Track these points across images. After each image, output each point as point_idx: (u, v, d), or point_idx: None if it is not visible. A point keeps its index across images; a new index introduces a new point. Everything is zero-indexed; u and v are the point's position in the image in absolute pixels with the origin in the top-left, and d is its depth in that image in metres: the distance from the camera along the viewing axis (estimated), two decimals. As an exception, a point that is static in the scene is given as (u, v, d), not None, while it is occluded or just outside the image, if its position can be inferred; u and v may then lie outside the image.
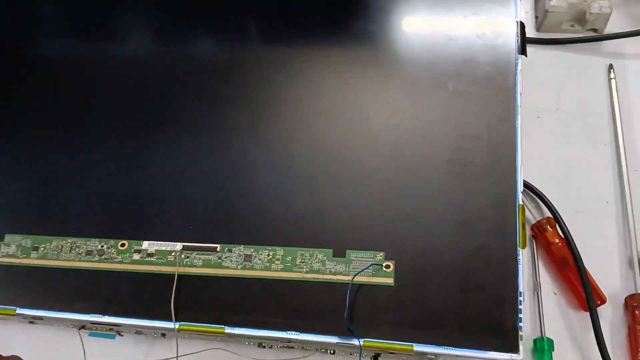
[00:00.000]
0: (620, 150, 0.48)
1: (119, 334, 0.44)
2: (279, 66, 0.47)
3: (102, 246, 0.43)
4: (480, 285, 0.39)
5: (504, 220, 0.41)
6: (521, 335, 0.37)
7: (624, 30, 0.51)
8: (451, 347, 0.37)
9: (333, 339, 0.38)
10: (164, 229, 0.43)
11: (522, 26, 0.45)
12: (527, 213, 0.46)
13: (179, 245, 0.42)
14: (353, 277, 0.39)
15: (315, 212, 0.42)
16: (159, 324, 0.40)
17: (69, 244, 0.43)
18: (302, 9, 0.49)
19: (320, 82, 0.46)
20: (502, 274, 0.39)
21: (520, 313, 0.38)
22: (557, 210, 0.46)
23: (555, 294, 0.44)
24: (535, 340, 0.43)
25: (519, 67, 0.43)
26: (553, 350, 0.42)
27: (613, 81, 0.50)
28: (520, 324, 0.38)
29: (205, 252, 0.42)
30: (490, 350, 0.37)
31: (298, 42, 0.48)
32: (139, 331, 0.43)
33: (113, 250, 0.42)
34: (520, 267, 0.39)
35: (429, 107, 0.44)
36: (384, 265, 0.40)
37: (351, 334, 0.38)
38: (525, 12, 0.53)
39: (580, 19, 0.51)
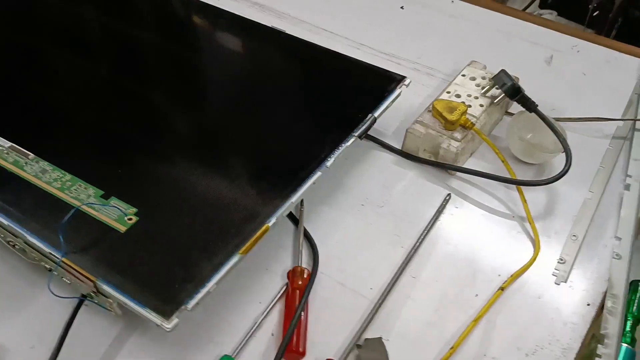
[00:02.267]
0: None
1: None
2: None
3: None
4: (187, 260, 0.43)
5: (246, 230, 0.45)
6: (185, 308, 0.39)
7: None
8: (125, 295, 0.40)
9: (45, 246, 0.43)
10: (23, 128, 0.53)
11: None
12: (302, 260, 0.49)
13: (9, 143, 0.51)
14: (82, 204, 0.45)
15: (116, 167, 0.50)
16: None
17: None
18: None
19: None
20: (214, 261, 0.42)
21: (198, 294, 0.40)
22: (319, 269, 0.48)
23: (272, 335, 0.45)
24: (225, 356, 0.43)
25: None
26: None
27: (447, 207, 0.54)
28: (190, 303, 0.40)
29: (20, 155, 0.50)
30: (150, 309, 0.40)
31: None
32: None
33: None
34: (227, 265, 0.42)
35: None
36: (127, 217, 0.45)
37: (59, 239, 0.42)
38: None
39: (435, 151, 0.56)
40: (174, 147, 0.53)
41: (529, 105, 0.57)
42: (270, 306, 0.47)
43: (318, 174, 0.49)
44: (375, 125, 0.57)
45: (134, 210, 0.46)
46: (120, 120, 0.55)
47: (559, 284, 0.49)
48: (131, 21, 0.68)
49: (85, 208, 0.45)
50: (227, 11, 0.68)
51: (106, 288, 0.41)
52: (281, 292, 0.47)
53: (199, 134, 0.55)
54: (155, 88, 0.60)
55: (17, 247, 0.46)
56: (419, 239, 0.51)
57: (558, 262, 0.50)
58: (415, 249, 0.51)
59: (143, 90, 0.59)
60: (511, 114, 0.61)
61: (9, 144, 0.51)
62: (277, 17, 0.75)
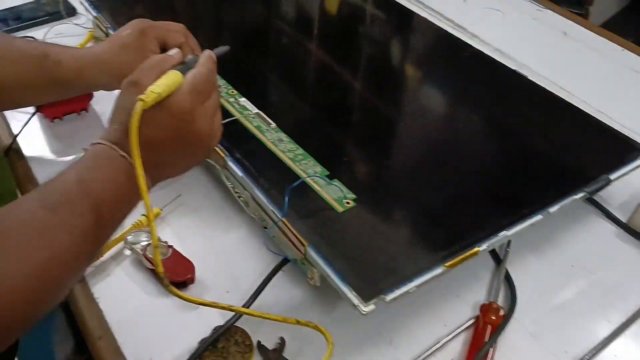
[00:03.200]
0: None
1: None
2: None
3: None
4: (394, 255, 0.43)
5: (455, 247, 0.44)
6: (383, 299, 0.40)
7: None
8: (331, 267, 0.42)
9: (269, 204, 0.46)
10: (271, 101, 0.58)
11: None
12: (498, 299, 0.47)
13: (256, 110, 0.56)
14: (309, 176, 0.48)
15: (345, 152, 0.52)
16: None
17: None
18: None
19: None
20: (418, 265, 0.42)
21: (398, 289, 0.40)
22: (514, 314, 0.46)
23: (452, 360, 0.44)
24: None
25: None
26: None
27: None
28: (390, 295, 0.40)
29: (264, 121, 0.54)
30: (352, 287, 0.40)
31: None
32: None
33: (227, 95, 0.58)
34: (430, 272, 0.42)
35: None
36: (345, 200, 0.47)
37: (282, 202, 0.45)
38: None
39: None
40: (403, 152, 0.55)
41: None
42: (456, 332, 0.45)
43: (539, 217, 0.47)
44: (601, 193, 0.54)
45: (353, 196, 0.47)
46: (357, 117, 0.58)
47: None
48: (375, 37, 0.72)
49: (310, 180, 0.48)
50: (473, 46, 0.69)
51: (314, 256, 0.42)
52: (470, 322, 0.46)
53: (428, 148, 0.56)
54: (393, 101, 0.62)
55: (242, 199, 0.50)
56: (630, 318, 0.46)
57: None
58: (624, 327, 0.46)
59: (381, 100, 0.62)
60: None
61: (256, 110, 0.56)
62: (517, 66, 0.74)
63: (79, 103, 0.62)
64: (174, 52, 0.43)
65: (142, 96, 0.37)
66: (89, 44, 0.72)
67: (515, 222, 0.46)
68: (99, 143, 0.39)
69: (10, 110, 0.62)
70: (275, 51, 0.67)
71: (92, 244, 0.37)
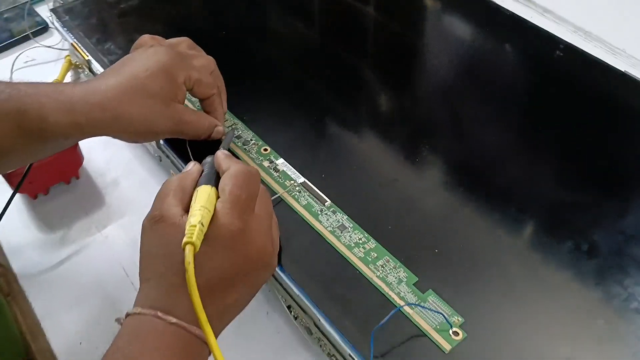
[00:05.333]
0: None
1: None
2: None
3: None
4: None
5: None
6: None
7: None
8: None
9: (343, 343, 0.33)
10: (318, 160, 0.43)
11: None
12: None
13: (302, 179, 0.41)
14: (405, 305, 0.34)
15: (433, 242, 0.38)
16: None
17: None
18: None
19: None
20: None
21: None
22: None
23: None
24: None
25: None
26: None
27: None
28: None
29: (315, 198, 0.40)
30: None
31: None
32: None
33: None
34: None
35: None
36: (452, 329, 0.33)
37: (367, 347, 0.32)
38: None
39: None
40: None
41: None
42: None
43: None
44: None
45: (461, 320, 0.34)
46: (443, 196, 0.42)
47: None
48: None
49: (407, 309, 0.34)
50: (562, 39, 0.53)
51: None
52: None
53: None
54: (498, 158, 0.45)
55: (299, 321, 0.37)
56: None
57: None
58: None
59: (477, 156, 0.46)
60: None
61: (302, 179, 0.41)
62: (612, 52, 0.58)
63: (67, 171, 0.48)
64: (189, 166, 0.32)
65: (186, 239, 0.28)
66: (69, 76, 0.56)
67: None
68: (136, 313, 0.29)
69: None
70: (322, 88, 0.50)
71: None
